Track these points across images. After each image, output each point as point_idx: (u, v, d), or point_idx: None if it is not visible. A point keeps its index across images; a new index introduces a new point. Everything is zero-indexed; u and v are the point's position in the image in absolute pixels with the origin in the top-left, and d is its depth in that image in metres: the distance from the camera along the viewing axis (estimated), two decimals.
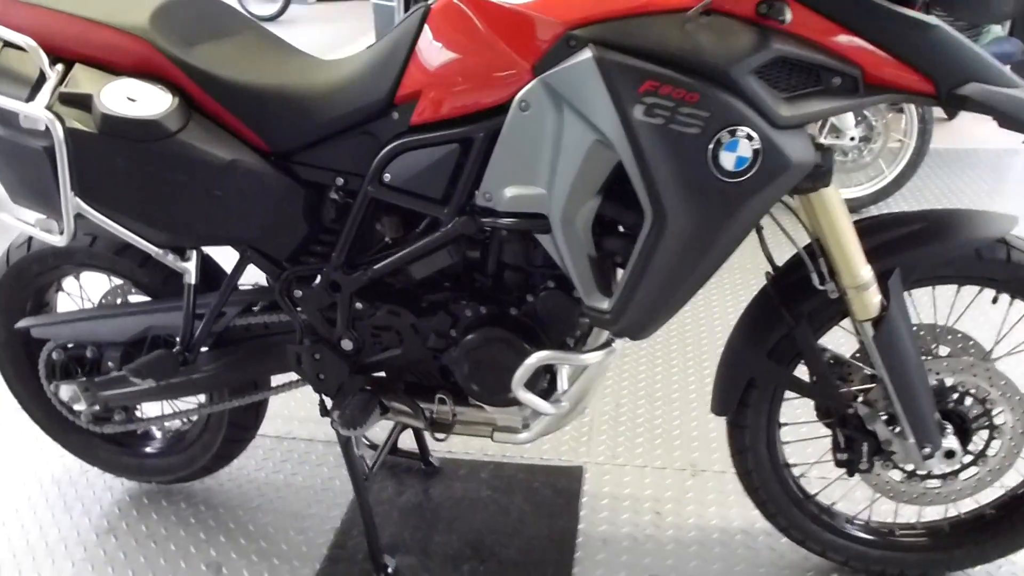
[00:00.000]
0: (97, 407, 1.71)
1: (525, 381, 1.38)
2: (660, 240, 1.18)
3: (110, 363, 1.68)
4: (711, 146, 1.12)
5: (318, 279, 1.49)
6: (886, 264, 1.36)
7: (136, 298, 1.76)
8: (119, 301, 1.76)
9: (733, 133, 1.11)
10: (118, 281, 1.75)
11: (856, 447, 1.48)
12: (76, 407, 1.73)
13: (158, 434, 1.93)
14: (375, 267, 1.44)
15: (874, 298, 1.36)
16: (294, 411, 2.27)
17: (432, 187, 1.36)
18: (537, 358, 1.37)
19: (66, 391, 1.72)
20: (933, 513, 1.76)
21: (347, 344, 1.52)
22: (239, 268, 1.52)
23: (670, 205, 1.15)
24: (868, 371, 1.48)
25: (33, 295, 1.79)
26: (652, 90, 1.11)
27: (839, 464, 1.52)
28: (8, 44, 1.41)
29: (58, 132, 1.32)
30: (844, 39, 1.13)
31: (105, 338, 1.65)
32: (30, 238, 1.72)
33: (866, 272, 1.35)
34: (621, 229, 1.33)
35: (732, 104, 1.10)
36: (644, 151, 1.13)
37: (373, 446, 2.07)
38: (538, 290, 1.41)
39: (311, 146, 1.41)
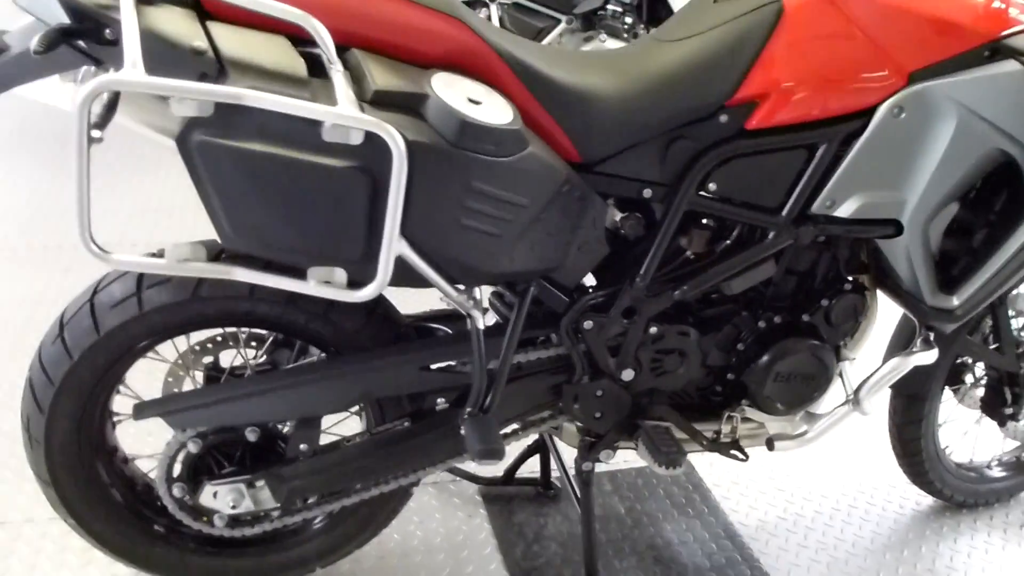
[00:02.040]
0: (276, 502, 1.28)
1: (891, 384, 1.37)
2: None
3: (302, 445, 1.27)
4: None
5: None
6: None
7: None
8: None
9: None
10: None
11: (1021, 401, 1.71)
12: (232, 510, 1.28)
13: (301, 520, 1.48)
14: (684, 287, 1.30)
15: None
16: None
17: (768, 195, 1.27)
18: (897, 362, 1.36)
19: (226, 493, 1.26)
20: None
21: (627, 374, 1.35)
22: (523, 305, 1.25)
23: None
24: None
25: (116, 374, 1.29)
26: None
27: (998, 417, 1.74)
28: (210, 31, 0.99)
29: (399, 145, 0.95)
30: None
31: (306, 412, 1.25)
32: (138, 292, 1.22)
33: None
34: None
35: None
36: None
37: (488, 479, 1.84)
38: (835, 293, 1.39)
39: (618, 154, 1.22)
